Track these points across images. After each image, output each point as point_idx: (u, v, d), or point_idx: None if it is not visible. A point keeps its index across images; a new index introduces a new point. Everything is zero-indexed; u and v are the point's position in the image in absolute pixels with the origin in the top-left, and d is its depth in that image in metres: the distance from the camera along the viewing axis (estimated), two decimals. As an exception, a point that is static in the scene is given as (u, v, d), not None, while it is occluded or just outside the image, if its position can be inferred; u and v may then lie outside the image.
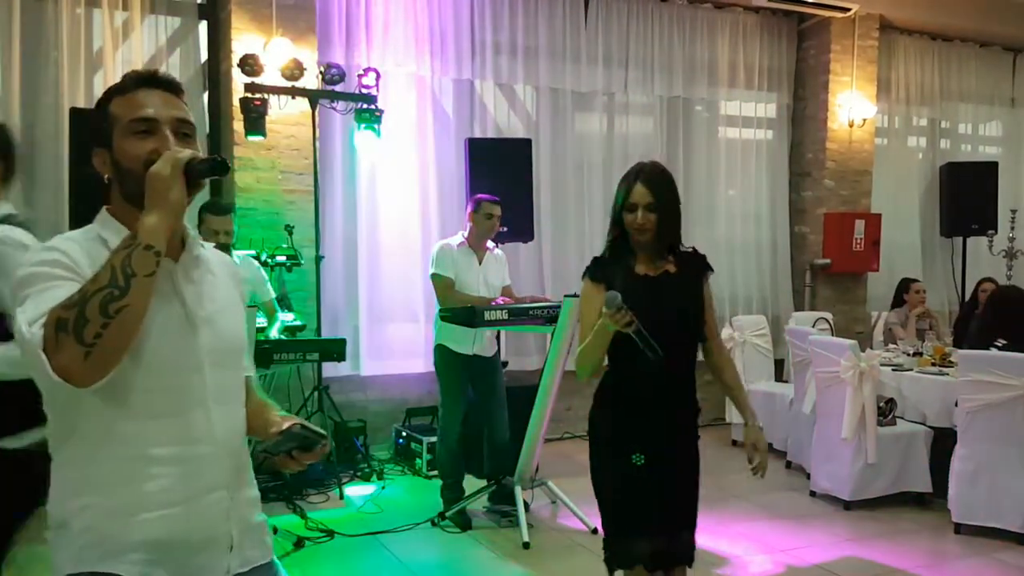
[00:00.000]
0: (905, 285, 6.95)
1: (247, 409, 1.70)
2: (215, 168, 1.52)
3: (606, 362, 2.73)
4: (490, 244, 5.04)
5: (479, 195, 4.95)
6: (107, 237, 1.54)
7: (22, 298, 1.42)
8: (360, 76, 5.72)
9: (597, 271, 2.72)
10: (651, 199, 2.64)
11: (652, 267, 2.71)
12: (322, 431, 1.67)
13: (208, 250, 1.69)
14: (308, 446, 1.63)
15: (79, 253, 1.49)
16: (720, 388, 2.89)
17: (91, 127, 1.60)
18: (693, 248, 2.80)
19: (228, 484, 1.59)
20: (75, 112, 4.98)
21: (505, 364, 5.27)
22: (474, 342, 4.85)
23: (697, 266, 2.77)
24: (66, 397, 1.44)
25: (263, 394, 1.81)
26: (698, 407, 2.81)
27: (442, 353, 4.91)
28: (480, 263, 4.95)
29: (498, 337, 5.10)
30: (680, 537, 2.74)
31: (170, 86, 1.61)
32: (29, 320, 1.37)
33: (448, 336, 4.85)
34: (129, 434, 1.49)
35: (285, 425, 1.65)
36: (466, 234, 4.96)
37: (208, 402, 1.56)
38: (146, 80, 1.59)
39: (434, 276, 4.87)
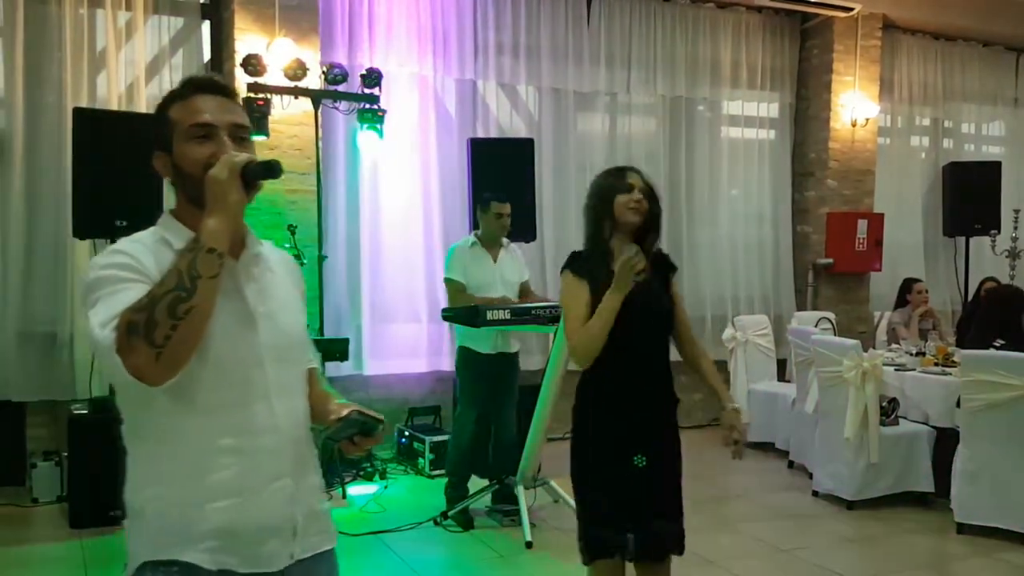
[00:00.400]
0: (908, 285, 6.94)
1: (311, 398, 1.75)
2: (269, 170, 1.56)
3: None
4: (504, 240, 5.06)
5: (487, 195, 4.98)
6: (171, 239, 1.60)
7: (93, 301, 1.48)
8: (363, 76, 5.73)
9: (578, 266, 2.76)
10: (644, 184, 2.76)
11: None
12: (379, 416, 1.72)
13: (267, 247, 1.76)
14: (367, 431, 1.69)
15: (145, 255, 1.55)
16: (698, 379, 2.91)
17: (153, 131, 1.66)
18: (659, 248, 2.87)
19: (292, 472, 1.64)
20: (78, 111, 4.98)
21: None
22: (496, 341, 4.88)
23: (665, 265, 2.85)
24: (137, 394, 1.50)
25: (327, 384, 1.86)
26: (677, 399, 2.85)
27: (465, 354, 4.96)
28: (495, 261, 4.98)
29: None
30: (669, 528, 2.77)
31: (226, 91, 1.67)
32: (101, 323, 1.43)
33: (470, 337, 4.88)
34: (196, 428, 1.55)
35: (344, 412, 1.70)
36: (479, 233, 4.99)
37: (270, 395, 1.61)
38: (204, 86, 1.64)
39: (445, 280, 4.98)
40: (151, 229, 1.65)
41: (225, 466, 1.56)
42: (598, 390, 2.76)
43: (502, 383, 4.98)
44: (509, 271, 5.03)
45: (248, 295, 1.62)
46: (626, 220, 2.73)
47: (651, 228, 2.79)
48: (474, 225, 5.73)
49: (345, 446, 1.69)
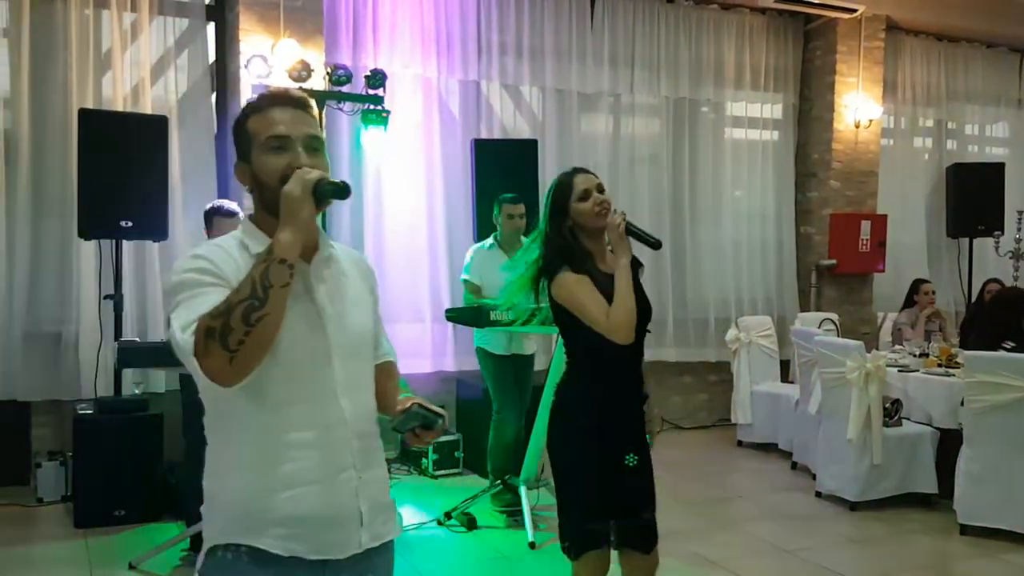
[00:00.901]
0: (916, 286, 6.94)
1: (383, 390, 1.84)
2: (339, 192, 1.66)
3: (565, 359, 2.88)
4: (524, 241, 5.07)
5: (501, 196, 5.03)
6: (249, 244, 1.70)
7: (175, 304, 1.60)
8: (367, 77, 5.74)
9: (575, 263, 2.75)
10: (597, 181, 2.81)
11: (604, 264, 2.79)
12: (439, 410, 1.78)
13: (339, 249, 1.85)
14: (428, 424, 1.76)
15: (225, 259, 1.65)
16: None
17: (234, 143, 1.76)
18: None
19: (357, 464, 1.71)
20: (84, 112, 5.01)
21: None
22: (511, 342, 4.91)
23: (636, 264, 2.83)
24: (215, 390, 1.58)
25: (401, 380, 1.95)
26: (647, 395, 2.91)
27: (483, 356, 4.99)
28: None
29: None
30: (648, 521, 2.81)
31: (301, 104, 1.74)
32: (182, 326, 1.54)
33: (485, 338, 4.91)
34: (268, 422, 1.64)
35: (407, 404, 1.77)
36: (498, 235, 5.02)
37: (338, 391, 1.69)
38: (279, 99, 1.73)
39: (463, 281, 5.07)
40: (233, 233, 1.75)
41: (294, 458, 1.64)
42: (587, 388, 2.80)
43: (515, 384, 5.01)
44: None
45: (318, 296, 1.70)
46: (595, 226, 2.76)
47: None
48: (478, 226, 5.76)
49: (409, 437, 1.78)
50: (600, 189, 2.79)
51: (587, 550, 2.76)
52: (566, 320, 2.79)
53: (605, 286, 2.70)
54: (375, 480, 1.77)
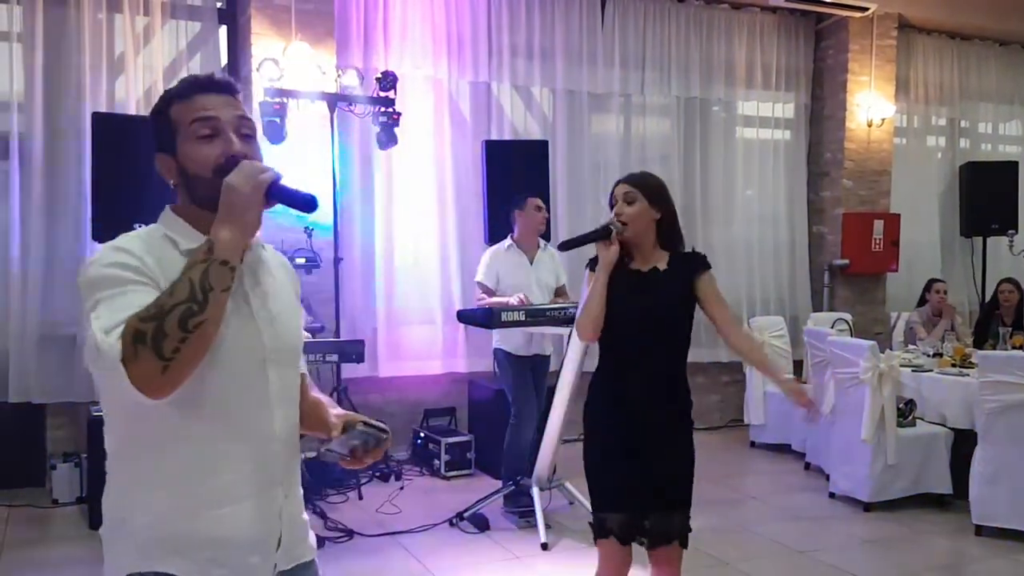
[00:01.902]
0: (928, 285, 6.92)
1: (303, 407, 1.71)
2: (303, 204, 1.49)
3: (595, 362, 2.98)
4: (542, 242, 5.09)
5: (523, 193, 5.05)
6: (175, 237, 1.54)
7: (94, 302, 1.41)
8: (378, 79, 5.76)
9: (592, 264, 2.95)
10: (628, 189, 2.89)
11: (643, 264, 2.90)
12: (384, 426, 1.70)
13: (268, 251, 1.71)
14: (374, 443, 1.67)
15: (146, 253, 1.48)
16: (751, 366, 3.10)
17: (153, 133, 1.59)
18: (693, 248, 3.00)
19: (284, 482, 1.61)
20: (97, 116, 5.04)
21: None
22: (531, 342, 4.92)
23: (691, 264, 2.90)
24: (134, 400, 1.41)
25: (316, 391, 1.84)
26: (686, 402, 2.93)
27: (503, 357, 5.00)
28: (532, 263, 5.02)
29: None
30: (669, 518, 2.85)
31: (228, 88, 1.60)
32: (105, 328, 1.36)
33: (505, 339, 4.91)
34: (198, 432, 1.50)
35: (354, 422, 1.69)
36: (514, 236, 5.02)
37: (272, 401, 1.57)
38: (204, 84, 1.58)
39: (476, 283, 5.07)
40: (152, 226, 1.57)
41: (223, 472, 1.51)
42: (598, 385, 2.95)
43: (533, 386, 5.03)
44: (546, 273, 5.07)
45: (252, 299, 1.57)
46: (623, 236, 2.88)
47: (646, 227, 2.88)
48: (489, 226, 5.76)
49: (347, 461, 1.67)
50: (628, 199, 2.87)
51: (599, 537, 2.89)
52: None
53: (623, 284, 2.85)
54: (296, 499, 1.66)
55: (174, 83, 1.65)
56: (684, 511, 2.89)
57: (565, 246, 3.07)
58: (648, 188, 2.90)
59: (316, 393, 1.82)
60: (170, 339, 1.33)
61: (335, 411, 1.78)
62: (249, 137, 1.58)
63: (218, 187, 1.47)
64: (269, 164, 1.53)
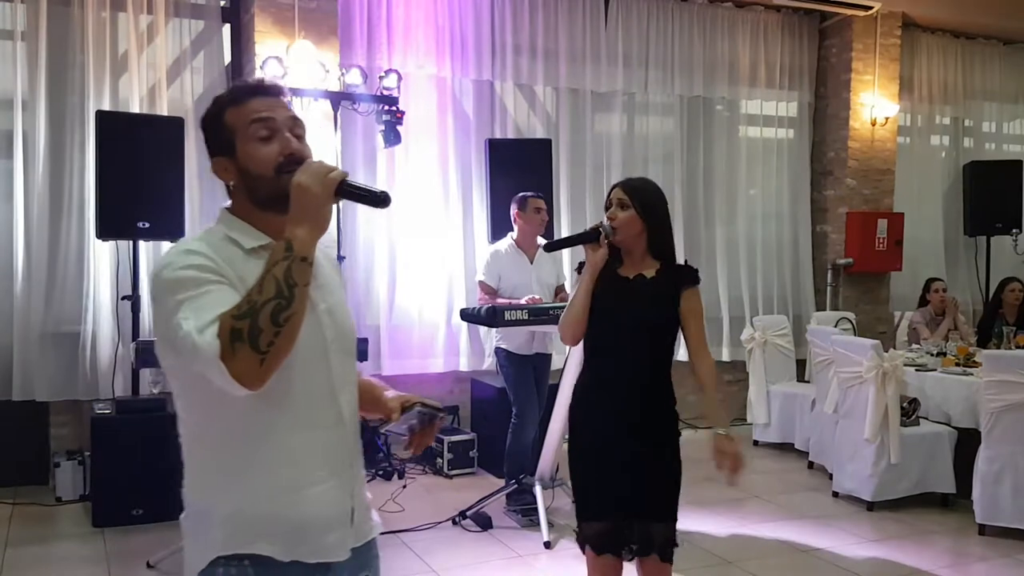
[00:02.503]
0: (927, 284, 6.91)
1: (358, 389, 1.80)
2: (375, 200, 1.57)
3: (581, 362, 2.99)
4: (541, 241, 5.10)
5: (522, 193, 5.04)
6: (236, 237, 1.61)
7: (176, 303, 1.47)
8: (381, 78, 5.76)
9: (583, 266, 2.93)
10: (623, 196, 2.84)
11: (631, 270, 2.88)
12: (438, 404, 1.76)
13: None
14: (430, 421, 1.74)
15: (215, 254, 1.55)
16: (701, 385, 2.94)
17: (207, 138, 1.67)
18: (686, 261, 2.99)
19: (352, 463, 1.70)
20: (101, 114, 5.04)
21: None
22: (533, 341, 4.92)
23: (680, 276, 2.88)
24: (210, 395, 1.50)
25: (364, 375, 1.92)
26: (669, 412, 2.87)
27: (505, 356, 5.00)
28: (532, 262, 5.02)
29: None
30: (649, 529, 2.81)
31: (277, 91, 1.68)
32: (198, 328, 1.42)
33: (507, 338, 4.92)
34: (276, 421, 1.58)
35: (411, 403, 1.78)
36: (515, 235, 5.02)
37: (335, 388, 1.66)
38: (254, 89, 1.66)
39: (479, 282, 5.08)
40: (210, 228, 1.66)
41: (298, 459, 1.60)
42: (580, 390, 2.97)
43: (535, 385, 5.03)
44: (546, 272, 5.08)
45: (313, 292, 1.61)
46: (614, 240, 2.87)
47: (636, 235, 2.86)
48: (492, 225, 5.77)
49: (406, 441, 1.75)
50: (622, 205, 2.84)
51: (585, 544, 2.88)
52: None
53: (611, 291, 2.84)
54: (361, 479, 1.76)
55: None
56: (667, 523, 2.83)
57: (551, 247, 3.11)
58: (642, 196, 2.86)
59: (366, 376, 1.90)
60: (265, 334, 1.42)
61: (390, 393, 1.86)
62: (302, 137, 1.65)
63: (279, 185, 1.56)
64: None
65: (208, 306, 1.45)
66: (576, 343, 2.90)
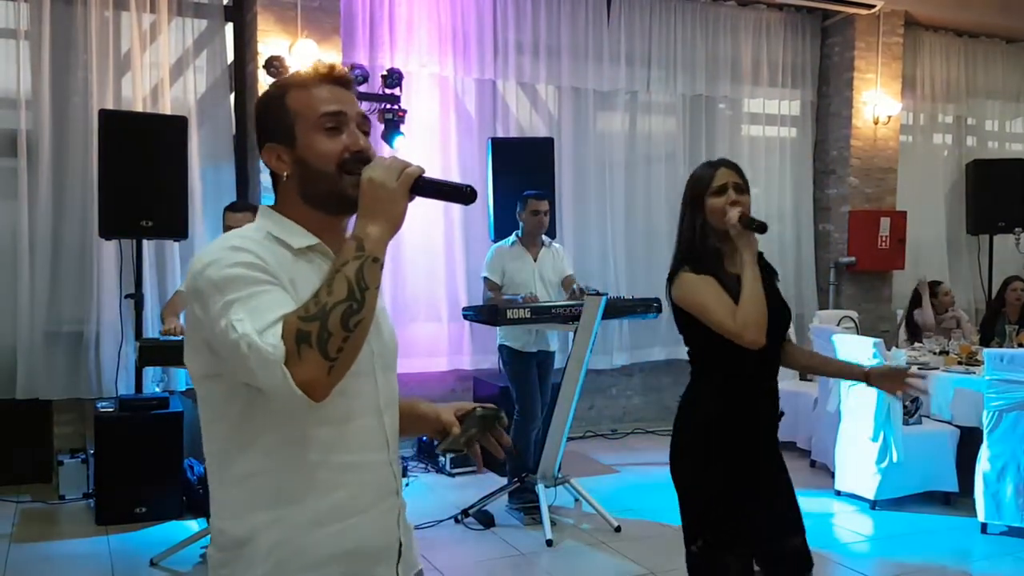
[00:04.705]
0: (931, 287, 6.90)
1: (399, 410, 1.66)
2: (459, 196, 1.46)
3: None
4: (546, 239, 5.11)
5: (526, 192, 5.06)
6: (285, 238, 1.47)
7: (224, 304, 1.33)
8: (384, 77, 5.76)
9: (697, 265, 2.56)
10: (739, 179, 2.57)
11: (735, 266, 2.55)
12: (492, 406, 1.65)
13: None
14: (494, 424, 1.62)
15: (263, 253, 1.41)
16: (816, 371, 2.91)
17: (261, 122, 1.53)
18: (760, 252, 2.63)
19: (397, 488, 1.57)
20: (104, 113, 5.05)
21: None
22: (537, 338, 4.93)
23: (770, 270, 2.66)
24: (253, 403, 1.38)
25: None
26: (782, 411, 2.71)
27: (508, 353, 5.00)
28: (535, 260, 5.03)
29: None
30: (796, 543, 2.66)
31: (347, 81, 1.54)
32: (257, 330, 1.29)
33: (510, 336, 4.92)
34: (318, 441, 1.44)
35: (467, 411, 1.65)
36: (519, 233, 5.04)
37: (380, 406, 1.53)
38: (325, 76, 1.51)
39: (483, 278, 5.09)
40: (252, 226, 1.50)
41: (342, 484, 1.46)
42: (712, 403, 2.57)
43: (538, 382, 5.04)
44: (549, 270, 5.09)
45: None
46: (722, 225, 2.53)
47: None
48: (494, 224, 5.78)
49: (472, 450, 1.63)
50: (739, 189, 2.55)
51: None
52: (687, 325, 2.58)
53: (733, 289, 2.48)
54: (404, 505, 1.62)
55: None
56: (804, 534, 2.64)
57: (746, 223, 2.52)
58: (746, 179, 2.60)
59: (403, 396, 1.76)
60: (334, 338, 1.29)
61: (433, 407, 1.72)
62: (367, 134, 1.53)
63: (339, 184, 1.45)
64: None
65: (265, 307, 1.32)
66: (763, 344, 2.46)
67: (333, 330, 1.29)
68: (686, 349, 2.68)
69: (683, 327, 2.63)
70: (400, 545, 1.56)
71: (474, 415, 1.61)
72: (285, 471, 1.43)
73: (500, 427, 1.65)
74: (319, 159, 1.46)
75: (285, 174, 1.50)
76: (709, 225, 2.56)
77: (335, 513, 1.45)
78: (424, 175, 1.43)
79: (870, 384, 2.69)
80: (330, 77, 1.51)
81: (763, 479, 2.58)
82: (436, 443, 1.68)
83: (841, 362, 2.87)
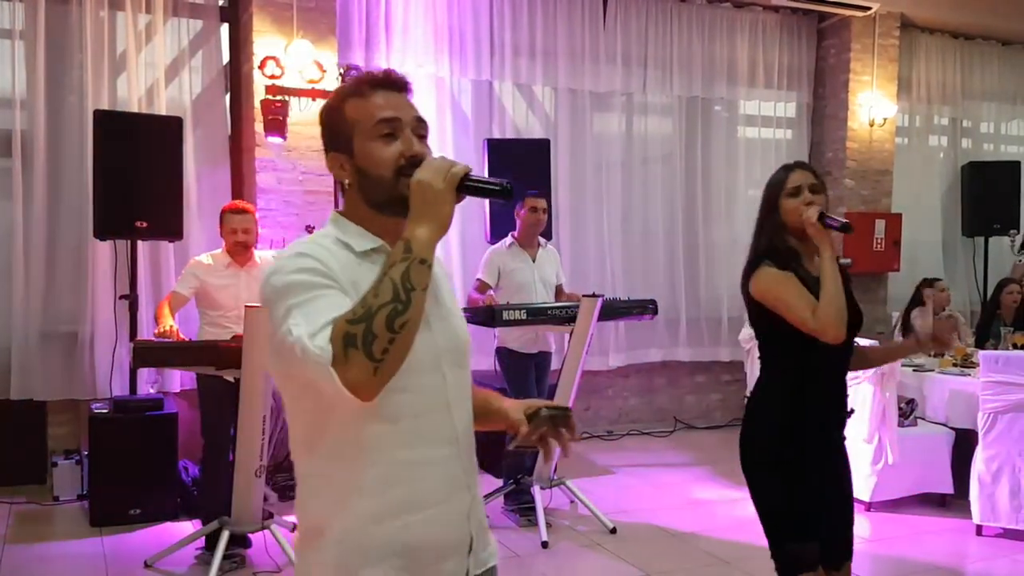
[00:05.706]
0: (929, 283, 6.90)
1: (473, 404, 1.67)
2: (500, 193, 1.48)
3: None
4: (542, 239, 5.11)
5: (526, 191, 5.05)
6: (350, 242, 1.52)
7: (286, 309, 1.39)
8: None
9: (780, 262, 2.61)
10: (814, 180, 2.63)
11: (813, 267, 2.60)
12: (562, 405, 1.67)
13: None
14: (563, 422, 1.63)
15: (328, 258, 1.46)
16: (875, 363, 3.02)
17: (325, 132, 1.58)
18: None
19: (469, 483, 1.58)
20: (99, 113, 5.04)
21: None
22: (537, 338, 4.93)
23: (845, 273, 2.65)
24: (319, 406, 1.44)
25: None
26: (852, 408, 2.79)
27: (507, 355, 5.00)
28: (534, 260, 5.03)
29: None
30: (850, 534, 2.74)
31: (403, 86, 1.58)
32: (310, 333, 1.34)
33: (510, 337, 4.92)
34: (379, 439, 1.47)
35: (535, 409, 1.65)
36: (516, 234, 5.03)
37: (450, 402, 1.55)
38: (381, 82, 1.56)
39: (478, 280, 5.09)
40: (323, 231, 1.56)
41: (415, 478, 1.49)
42: (787, 399, 2.62)
43: (539, 382, 5.05)
44: (548, 271, 5.10)
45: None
46: (799, 226, 2.60)
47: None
48: (491, 225, 5.77)
49: (543, 448, 1.64)
50: (814, 189, 2.61)
51: (798, 573, 2.63)
52: (764, 321, 2.62)
53: (812, 288, 2.53)
54: (480, 500, 1.63)
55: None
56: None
57: (825, 222, 2.57)
58: (822, 179, 2.68)
59: (478, 388, 1.76)
60: (379, 340, 1.32)
61: (507, 403, 1.73)
62: (423, 137, 1.56)
63: (397, 189, 1.48)
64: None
65: (319, 311, 1.37)
66: (844, 339, 2.51)
67: (378, 332, 1.32)
68: (757, 343, 2.75)
69: (759, 324, 2.68)
70: (472, 540, 1.57)
71: (542, 415, 1.63)
72: (349, 466, 1.48)
73: (568, 426, 1.65)
74: (376, 166, 1.51)
75: (347, 181, 1.56)
76: (787, 226, 2.63)
77: (398, 508, 1.48)
78: (471, 174, 1.46)
79: (922, 351, 2.91)
80: (386, 82, 1.55)
81: (832, 474, 2.66)
82: (508, 439, 1.70)
83: (894, 344, 3.17)
